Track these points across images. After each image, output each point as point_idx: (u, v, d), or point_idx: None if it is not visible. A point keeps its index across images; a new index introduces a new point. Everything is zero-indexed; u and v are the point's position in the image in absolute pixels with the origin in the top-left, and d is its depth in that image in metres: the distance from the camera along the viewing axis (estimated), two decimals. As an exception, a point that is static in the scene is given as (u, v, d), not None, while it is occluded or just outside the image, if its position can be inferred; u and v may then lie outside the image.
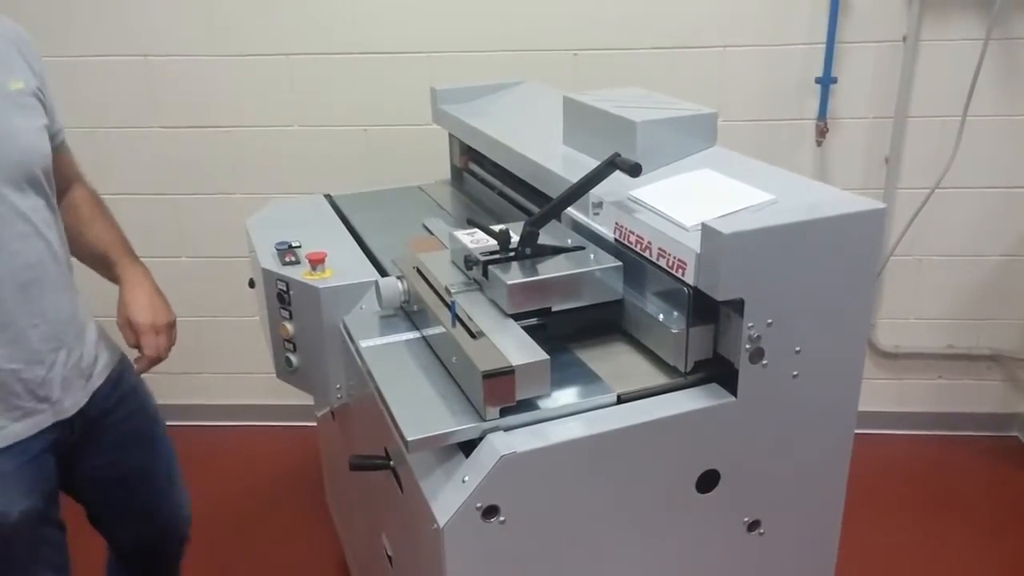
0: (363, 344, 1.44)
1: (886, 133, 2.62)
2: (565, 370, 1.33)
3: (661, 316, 1.30)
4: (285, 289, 1.74)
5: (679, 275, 1.24)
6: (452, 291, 1.41)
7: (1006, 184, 2.65)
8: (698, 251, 1.19)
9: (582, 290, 1.36)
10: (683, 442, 1.25)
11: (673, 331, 1.27)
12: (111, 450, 1.67)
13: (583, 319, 1.38)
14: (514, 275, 1.33)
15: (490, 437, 1.18)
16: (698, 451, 1.27)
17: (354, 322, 1.54)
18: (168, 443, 1.83)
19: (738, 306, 1.20)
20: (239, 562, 2.50)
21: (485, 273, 1.37)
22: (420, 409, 1.23)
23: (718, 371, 1.28)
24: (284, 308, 1.77)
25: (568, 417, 1.22)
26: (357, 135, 2.74)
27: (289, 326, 1.77)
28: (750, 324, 1.20)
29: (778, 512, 1.36)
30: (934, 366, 2.88)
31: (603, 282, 1.37)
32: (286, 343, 1.80)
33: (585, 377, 1.32)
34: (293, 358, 1.81)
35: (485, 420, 1.18)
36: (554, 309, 1.35)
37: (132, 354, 1.68)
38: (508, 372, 1.17)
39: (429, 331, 1.42)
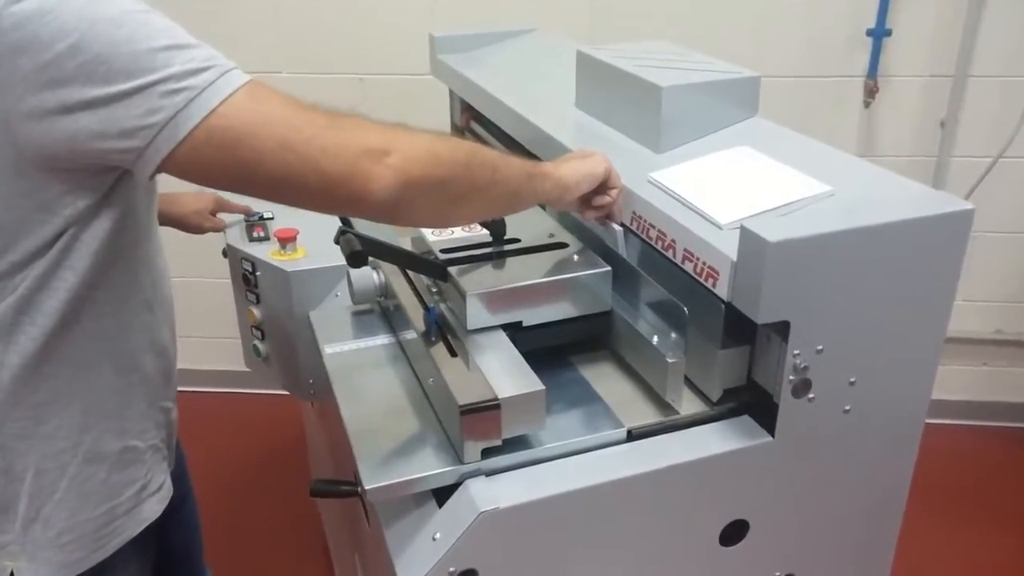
0: (328, 350, 1.21)
1: (943, 94, 2.34)
2: (564, 391, 1.10)
3: (672, 335, 1.07)
4: (251, 270, 1.52)
5: (709, 285, 1.00)
6: (434, 291, 1.17)
7: (1075, 154, 2.37)
8: (734, 259, 0.95)
9: (561, 301, 1.12)
10: (708, 490, 1.02)
11: (670, 360, 1.03)
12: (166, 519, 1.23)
13: (561, 335, 1.14)
14: (477, 281, 1.09)
15: (468, 484, 0.95)
16: (725, 500, 1.04)
17: (321, 319, 1.31)
18: (198, 514, 1.44)
19: (782, 328, 0.96)
20: (222, 533, 2.33)
21: (444, 276, 1.13)
22: (386, 443, 1.01)
23: (752, 400, 1.05)
24: (250, 291, 1.55)
25: (566, 458, 1.00)
26: (353, 84, 2.49)
27: (256, 311, 1.55)
28: (796, 352, 0.96)
29: (815, 566, 1.14)
30: (980, 352, 2.63)
31: (587, 291, 1.12)
32: (253, 330, 1.59)
33: (588, 403, 1.09)
34: (261, 347, 1.59)
35: (463, 463, 0.96)
36: (525, 324, 1.11)
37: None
38: (492, 406, 0.94)
39: (406, 337, 1.19)
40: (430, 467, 0.96)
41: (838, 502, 1.10)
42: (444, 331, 1.09)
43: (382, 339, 1.24)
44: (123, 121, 0.79)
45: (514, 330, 1.10)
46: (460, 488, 0.96)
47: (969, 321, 2.58)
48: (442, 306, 1.14)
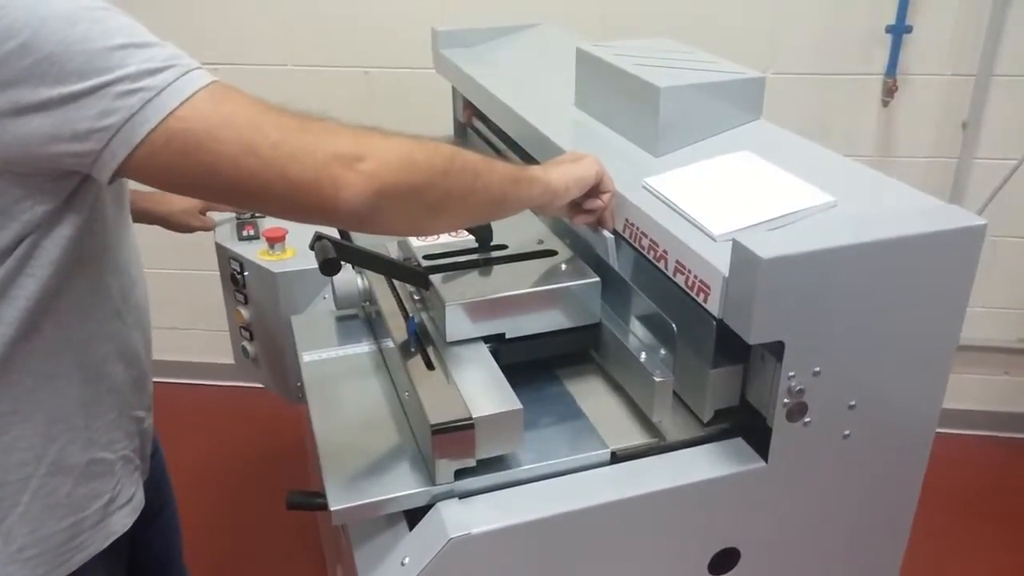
0: (307, 357, 1.17)
1: (966, 93, 2.25)
2: (546, 406, 1.06)
3: (661, 352, 1.01)
4: (239, 270, 1.48)
5: (700, 300, 0.94)
6: (416, 299, 1.12)
7: (1103, 157, 2.28)
8: (726, 274, 0.89)
9: (547, 312, 1.06)
10: (697, 516, 0.97)
11: (657, 379, 0.97)
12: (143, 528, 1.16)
13: (547, 348, 1.09)
14: (458, 291, 1.04)
15: (440, 507, 0.90)
16: (715, 526, 0.98)
17: (303, 325, 1.26)
18: (178, 519, 1.38)
19: (776, 347, 0.90)
20: (218, 531, 2.31)
21: (425, 284, 1.07)
22: (357, 461, 0.96)
23: (744, 422, 0.99)
24: (239, 291, 1.51)
25: (545, 480, 0.95)
26: (357, 78, 2.44)
27: (244, 312, 1.52)
28: (791, 373, 0.90)
29: (813, 595, 1.08)
30: (1001, 361, 2.54)
31: (574, 302, 1.06)
32: (242, 330, 1.55)
33: (571, 420, 1.03)
34: (250, 348, 1.56)
35: (435, 484, 0.91)
36: (508, 336, 1.05)
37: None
38: (466, 426, 0.89)
39: (387, 346, 1.14)
40: (400, 488, 0.91)
41: (836, 531, 1.04)
42: (423, 342, 1.04)
43: (365, 347, 1.19)
44: (76, 123, 0.75)
45: (497, 342, 1.05)
46: (431, 511, 0.91)
47: (989, 329, 2.49)
48: (423, 315, 1.10)
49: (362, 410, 1.05)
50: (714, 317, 0.93)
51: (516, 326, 1.05)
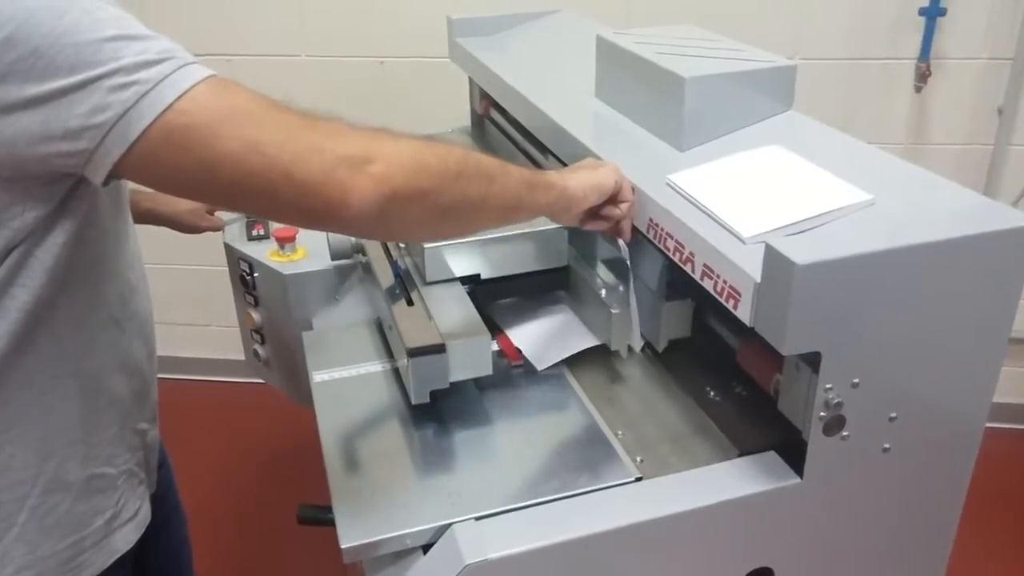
0: (317, 377, 1.13)
1: (1002, 78, 2.17)
2: (561, 416, 1.04)
3: (620, 288, 1.12)
4: (248, 271, 1.44)
5: (730, 307, 0.89)
6: (402, 247, 1.20)
7: None
8: (758, 280, 0.83)
9: (518, 255, 1.16)
10: (728, 536, 0.91)
11: (614, 311, 1.08)
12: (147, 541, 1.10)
13: (520, 288, 1.20)
14: None
15: (455, 530, 0.86)
16: (748, 545, 0.93)
17: (313, 341, 1.23)
18: (187, 529, 1.36)
19: (812, 358, 0.85)
20: (229, 536, 2.28)
21: None
22: (368, 495, 0.93)
23: (777, 437, 0.94)
24: (249, 293, 1.46)
25: (566, 500, 0.90)
26: (372, 68, 2.39)
27: (255, 314, 1.47)
28: (828, 385, 0.85)
29: (850, 615, 1.03)
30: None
31: (543, 245, 1.16)
32: (253, 333, 1.51)
33: (590, 434, 1.00)
34: (261, 351, 1.52)
35: (413, 403, 1.01)
36: (483, 276, 1.16)
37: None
38: (439, 349, 0.99)
39: (376, 292, 1.20)
40: (414, 523, 0.88)
41: (874, 548, 0.99)
42: (407, 285, 1.13)
43: (377, 366, 1.17)
44: (67, 121, 0.70)
45: (474, 283, 1.16)
46: (445, 534, 0.86)
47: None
48: (407, 261, 1.18)
49: (374, 437, 1.04)
50: (666, 255, 0.98)
51: (490, 268, 1.15)
